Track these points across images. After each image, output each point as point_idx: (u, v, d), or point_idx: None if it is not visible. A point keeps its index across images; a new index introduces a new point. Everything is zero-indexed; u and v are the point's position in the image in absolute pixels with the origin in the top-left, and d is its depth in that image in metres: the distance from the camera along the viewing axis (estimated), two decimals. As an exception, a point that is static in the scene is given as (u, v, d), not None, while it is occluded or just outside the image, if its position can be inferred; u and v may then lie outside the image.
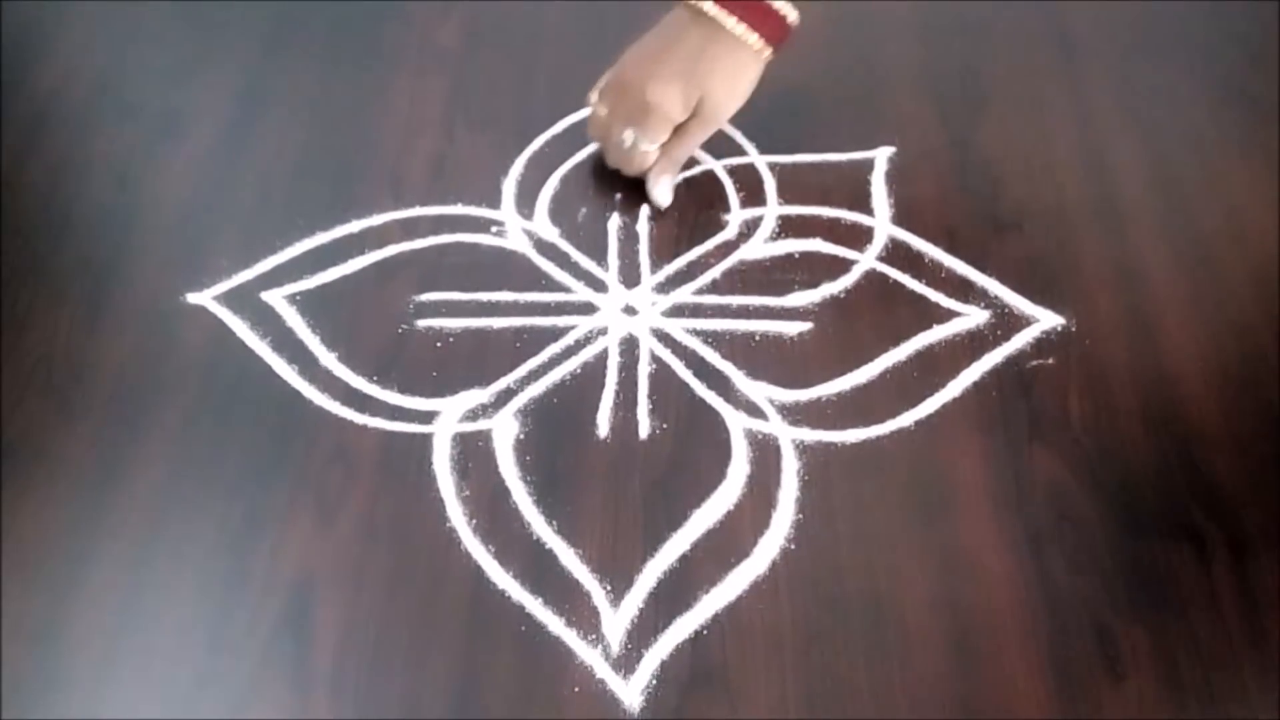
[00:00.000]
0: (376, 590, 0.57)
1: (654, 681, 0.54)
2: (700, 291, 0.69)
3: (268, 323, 0.67)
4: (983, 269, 0.69)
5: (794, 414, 0.63)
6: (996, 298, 0.68)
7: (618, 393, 0.64)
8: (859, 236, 0.71)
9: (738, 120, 0.77)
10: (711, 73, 0.67)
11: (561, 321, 0.67)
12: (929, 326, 0.67)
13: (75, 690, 0.54)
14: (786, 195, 0.73)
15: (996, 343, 0.66)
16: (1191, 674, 0.54)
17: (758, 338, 0.67)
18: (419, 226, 0.72)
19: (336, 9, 0.85)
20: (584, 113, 0.78)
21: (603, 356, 0.66)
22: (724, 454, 0.62)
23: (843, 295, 0.68)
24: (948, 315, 0.67)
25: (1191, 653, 0.55)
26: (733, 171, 0.75)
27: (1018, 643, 0.55)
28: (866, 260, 0.70)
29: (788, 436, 0.62)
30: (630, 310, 0.68)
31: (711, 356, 0.66)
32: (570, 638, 0.55)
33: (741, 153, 0.76)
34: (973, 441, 0.62)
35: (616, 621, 0.56)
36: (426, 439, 0.62)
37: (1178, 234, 0.72)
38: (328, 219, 0.72)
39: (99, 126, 0.78)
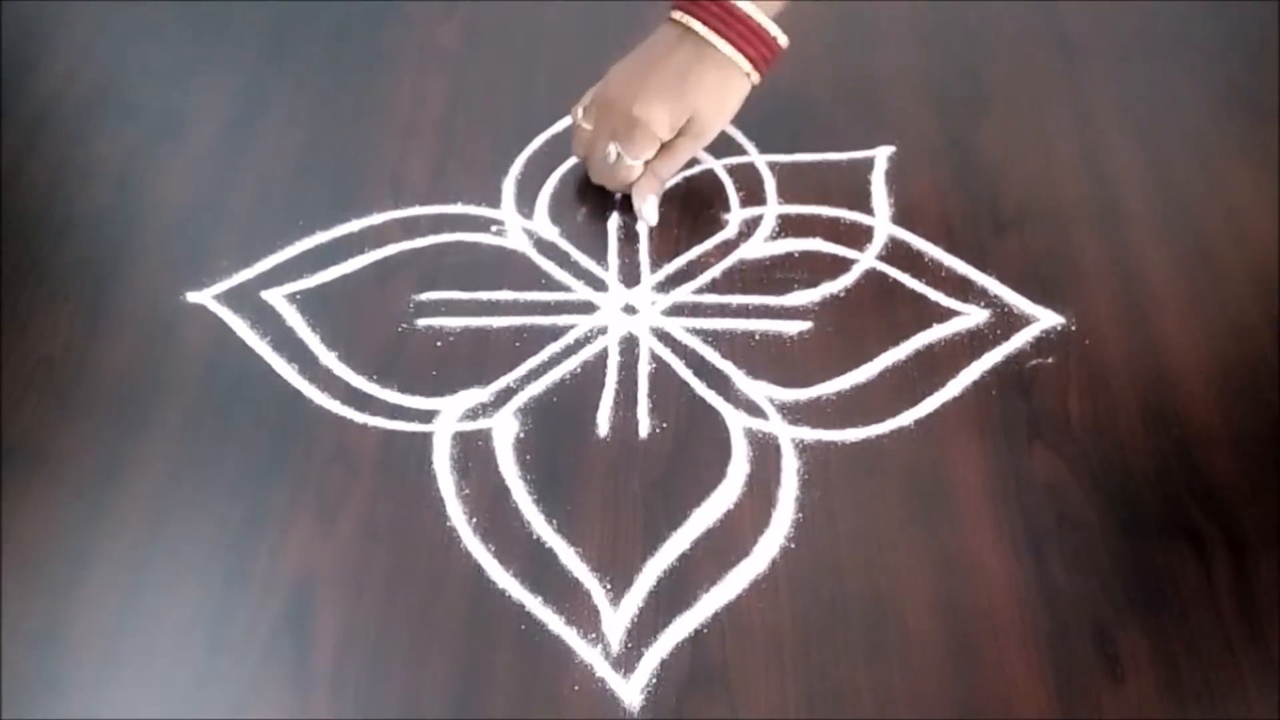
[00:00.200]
0: (376, 589, 0.57)
1: (654, 680, 0.54)
2: (700, 291, 0.69)
3: (268, 322, 0.67)
4: (982, 268, 0.69)
5: (794, 413, 0.63)
6: (996, 297, 0.68)
7: (618, 392, 0.64)
8: (859, 236, 0.71)
9: (738, 120, 0.77)
10: (700, 92, 0.67)
11: (561, 320, 0.67)
12: (929, 326, 0.67)
13: (75, 690, 0.54)
14: (786, 194, 0.73)
15: (996, 342, 0.66)
16: (1191, 675, 0.54)
17: (757, 337, 0.67)
18: (419, 226, 0.72)
19: (336, 9, 0.85)
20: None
21: (603, 355, 0.66)
22: (724, 453, 0.62)
23: (842, 294, 0.68)
24: (947, 314, 0.67)
25: (1191, 653, 0.55)
26: (732, 171, 0.75)
27: (1017, 642, 0.55)
28: (866, 259, 0.70)
29: (787, 436, 0.62)
30: (630, 309, 0.68)
31: (711, 356, 0.66)
32: (570, 636, 0.55)
33: (741, 152, 0.76)
34: (972, 441, 0.62)
35: (616, 620, 0.56)
36: (426, 438, 0.62)
37: (1177, 234, 0.72)
38: (328, 218, 0.72)
39: (99, 127, 0.78)
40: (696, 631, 0.55)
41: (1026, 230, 0.72)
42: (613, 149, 0.68)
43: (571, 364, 0.65)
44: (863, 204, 0.72)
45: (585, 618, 0.56)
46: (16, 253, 0.70)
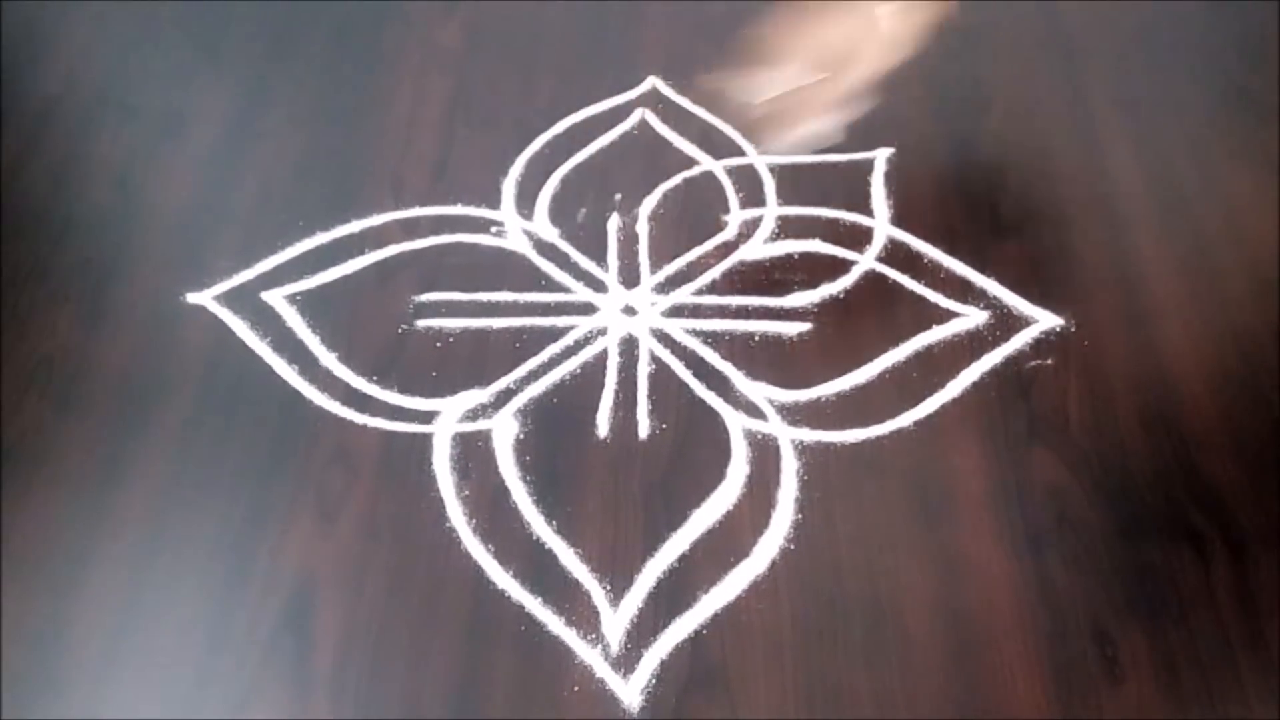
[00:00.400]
0: (377, 590, 0.57)
1: (653, 681, 0.54)
2: (700, 292, 0.69)
3: (268, 323, 0.67)
4: (982, 270, 0.69)
5: (793, 414, 0.63)
6: (996, 298, 0.68)
7: (617, 393, 0.64)
8: (858, 237, 0.71)
9: (736, 121, 0.77)
10: None
11: (561, 322, 0.67)
12: (928, 327, 0.67)
13: (76, 690, 0.54)
14: (786, 196, 0.73)
15: (996, 343, 0.66)
16: (1190, 676, 0.54)
17: (757, 338, 0.67)
18: (419, 227, 0.72)
19: (337, 10, 0.85)
20: (586, 113, 0.78)
21: (602, 357, 0.66)
22: (723, 454, 0.62)
23: (842, 296, 0.68)
24: (947, 316, 0.67)
25: (1190, 655, 0.55)
26: (732, 172, 0.75)
27: (1016, 643, 0.55)
28: (866, 261, 0.70)
29: (787, 437, 0.62)
30: (630, 310, 0.68)
31: (711, 357, 0.66)
32: (570, 637, 0.55)
33: (741, 153, 0.76)
34: (972, 442, 0.62)
35: (616, 621, 0.56)
36: (426, 439, 0.62)
37: (1176, 235, 0.72)
38: (328, 219, 0.72)
39: (100, 128, 0.78)
40: (696, 632, 0.56)
41: (1026, 232, 0.72)
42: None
43: (571, 365, 0.65)
44: (862, 205, 0.73)
45: (585, 618, 0.56)
46: (17, 253, 0.71)
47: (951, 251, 0.70)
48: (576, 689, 0.54)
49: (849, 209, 0.72)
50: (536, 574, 0.57)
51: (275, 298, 0.68)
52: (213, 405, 0.64)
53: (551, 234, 0.72)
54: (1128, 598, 0.56)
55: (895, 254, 0.70)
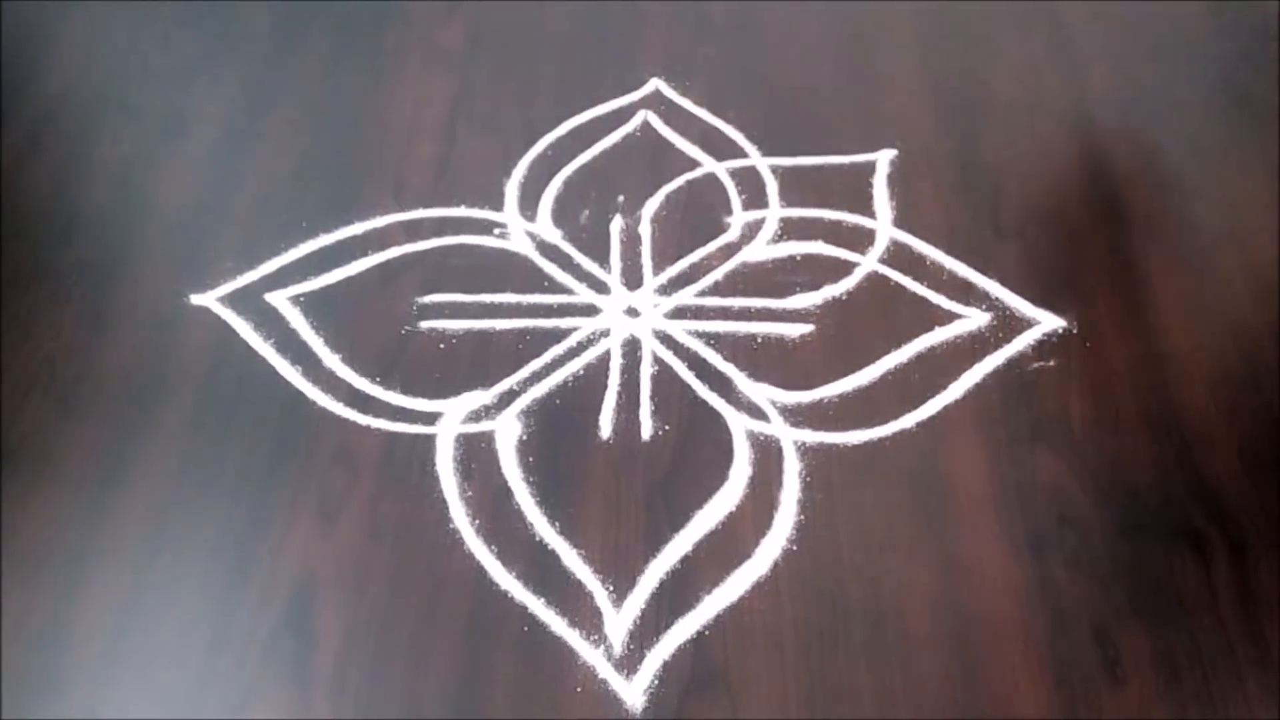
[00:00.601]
0: (378, 590, 0.57)
1: (656, 682, 0.54)
2: (702, 293, 0.69)
3: (271, 324, 0.67)
4: (984, 271, 0.69)
5: (796, 415, 0.63)
6: (998, 300, 0.68)
7: (620, 394, 0.64)
8: (860, 239, 0.71)
9: (739, 123, 0.77)
10: None
11: (564, 323, 0.67)
12: (930, 328, 0.67)
13: (77, 689, 0.54)
14: (788, 198, 0.73)
15: (998, 345, 0.66)
16: (1191, 675, 0.54)
17: (760, 339, 0.67)
18: (422, 228, 0.72)
19: (340, 11, 0.85)
20: (588, 115, 0.78)
21: (605, 358, 0.66)
22: (726, 455, 0.62)
23: (844, 297, 0.68)
24: (949, 317, 0.67)
25: (1191, 654, 0.55)
26: (734, 174, 0.75)
27: (1017, 643, 0.55)
28: (868, 262, 0.70)
29: (789, 438, 0.62)
30: (632, 312, 0.68)
31: (713, 358, 0.66)
32: (573, 638, 0.55)
33: (743, 155, 0.76)
34: (974, 443, 0.62)
35: (619, 622, 0.56)
36: (429, 440, 0.62)
37: (1178, 237, 0.72)
38: (331, 221, 0.72)
39: (102, 129, 0.78)
40: (698, 633, 0.56)
41: (1028, 234, 0.72)
42: None
43: (574, 366, 0.65)
44: (864, 207, 0.73)
45: (588, 619, 0.56)
46: (19, 254, 0.71)
47: (953, 253, 0.70)
48: (579, 690, 0.54)
49: (851, 210, 0.72)
50: (539, 575, 0.57)
51: (279, 299, 0.68)
52: (215, 406, 0.64)
53: (554, 236, 0.72)
54: (1129, 598, 0.56)
55: (897, 255, 0.70)
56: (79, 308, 0.68)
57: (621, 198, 0.73)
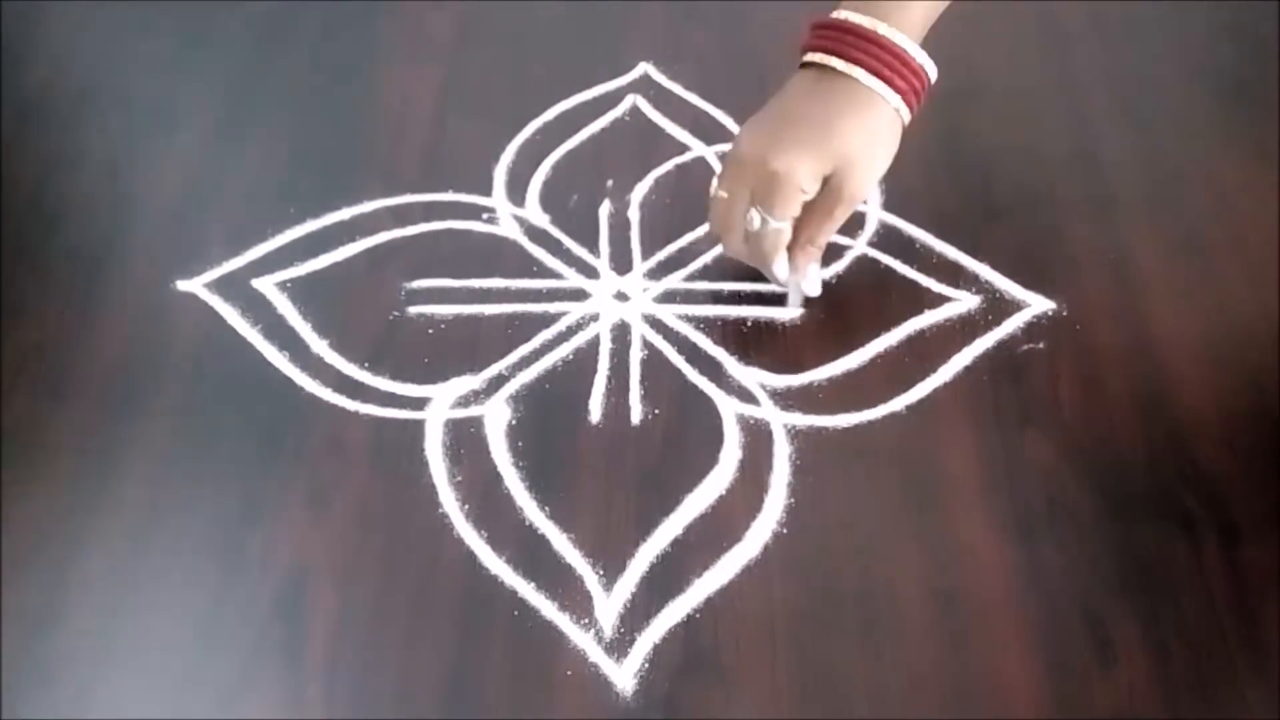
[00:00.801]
0: (369, 577, 0.57)
1: (646, 665, 0.54)
2: (692, 277, 0.69)
3: (259, 310, 0.67)
4: (974, 254, 0.69)
5: (785, 399, 0.63)
6: (988, 283, 0.68)
7: (609, 379, 0.64)
8: (850, 222, 0.70)
9: (729, 107, 0.77)
10: (845, 132, 0.59)
11: (553, 308, 0.67)
12: (920, 311, 0.67)
13: (68, 680, 0.54)
14: (778, 182, 0.73)
15: (988, 328, 0.66)
16: (1182, 658, 0.54)
17: (749, 323, 0.67)
18: (410, 214, 0.72)
19: (328, -3, 0.85)
20: (577, 100, 0.78)
21: (594, 342, 0.66)
22: (716, 439, 0.62)
23: (834, 280, 0.68)
24: (939, 300, 0.67)
25: (1182, 637, 0.55)
26: (724, 157, 0.74)
27: (1009, 627, 0.55)
28: (858, 246, 0.70)
29: (779, 421, 0.62)
30: (622, 296, 0.68)
31: (703, 342, 0.66)
32: (563, 622, 0.55)
33: (732, 139, 0.75)
34: (964, 426, 0.62)
35: (609, 606, 0.56)
36: (418, 425, 0.62)
37: (1168, 220, 0.72)
38: (319, 206, 0.72)
39: (90, 117, 0.78)
40: (689, 617, 0.56)
41: (1018, 216, 0.72)
42: (755, 215, 0.60)
43: (563, 351, 0.65)
44: (854, 190, 0.72)
45: (578, 603, 0.56)
46: (7, 243, 0.70)
47: (943, 236, 0.70)
48: (569, 673, 0.54)
49: (841, 194, 0.72)
50: (529, 560, 0.57)
51: (266, 285, 0.68)
52: (204, 393, 0.64)
53: (543, 220, 0.72)
54: (1120, 580, 0.56)
55: (887, 239, 0.70)
56: (67, 295, 0.68)
57: (610, 182, 0.73)
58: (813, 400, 0.63)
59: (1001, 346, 0.65)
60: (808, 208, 0.61)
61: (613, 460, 0.61)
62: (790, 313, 0.67)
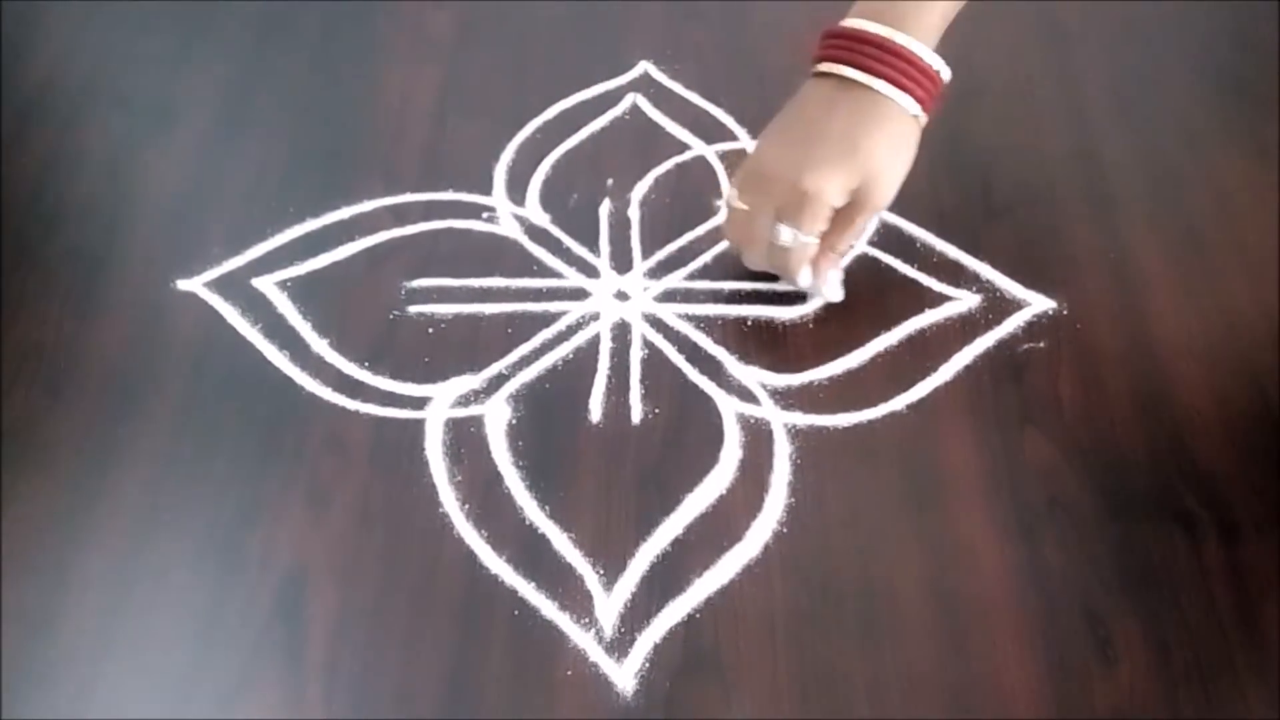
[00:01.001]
0: (369, 576, 0.57)
1: (647, 665, 0.54)
2: (692, 277, 0.69)
3: (259, 309, 0.67)
4: (974, 253, 0.69)
5: (786, 398, 0.63)
6: (988, 282, 0.68)
7: (610, 378, 0.64)
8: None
9: (729, 106, 0.77)
10: (872, 149, 0.59)
11: (553, 307, 0.67)
12: (920, 310, 0.67)
13: (67, 680, 0.54)
14: (778, 181, 0.73)
15: (988, 326, 0.66)
16: (1182, 656, 0.54)
17: (749, 322, 0.67)
18: (410, 213, 0.72)
19: (327, -4, 0.85)
20: (577, 99, 0.78)
21: (595, 342, 0.66)
22: (716, 438, 0.62)
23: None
24: (939, 299, 0.67)
25: (1182, 635, 0.55)
26: (724, 157, 0.75)
27: (1009, 625, 0.55)
28: (858, 245, 0.70)
29: (780, 420, 0.62)
30: (622, 296, 0.68)
31: (703, 341, 0.66)
32: (563, 622, 0.55)
33: (733, 138, 0.76)
34: (964, 425, 0.62)
35: (609, 605, 0.56)
36: (418, 425, 0.62)
37: (1168, 219, 0.72)
38: (319, 205, 0.72)
39: (90, 116, 0.78)
40: (689, 616, 0.55)
41: (1018, 215, 0.72)
42: (786, 231, 0.61)
43: (563, 350, 0.65)
44: (854, 190, 0.72)
45: (578, 603, 0.56)
46: (6, 242, 0.70)
47: (944, 235, 0.70)
48: (570, 673, 0.54)
49: (841, 193, 0.72)
50: (529, 559, 0.57)
51: (266, 284, 0.68)
52: (203, 392, 0.63)
53: (543, 219, 0.72)
54: (1120, 579, 0.56)
55: (887, 238, 0.70)
56: (67, 295, 0.68)
57: (610, 181, 0.73)
58: (813, 399, 0.63)
59: (1002, 346, 0.65)
60: (831, 218, 0.61)
61: (613, 460, 0.61)
62: (791, 312, 0.67)
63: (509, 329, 0.66)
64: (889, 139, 0.60)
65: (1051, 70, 0.81)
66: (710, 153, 0.75)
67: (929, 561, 0.57)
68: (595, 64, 0.80)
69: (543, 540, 0.58)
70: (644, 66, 0.80)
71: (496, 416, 0.62)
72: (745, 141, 0.75)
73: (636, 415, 0.63)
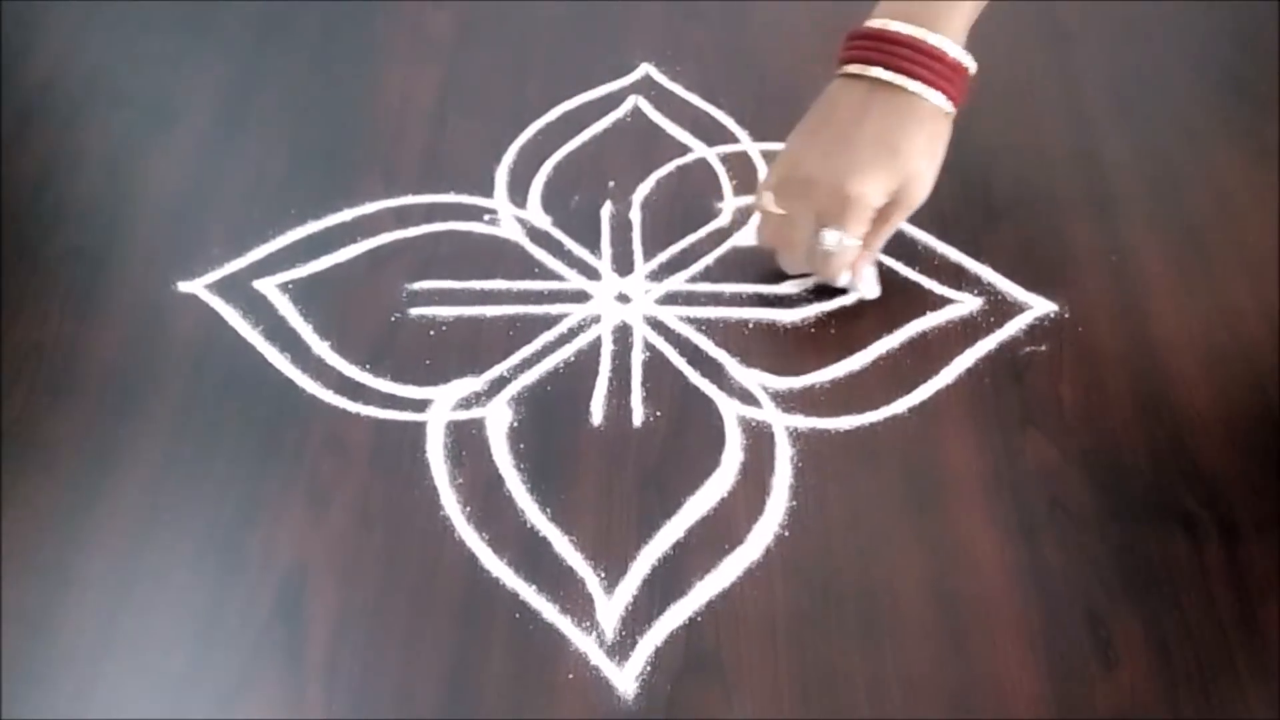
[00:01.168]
0: (370, 579, 0.57)
1: (648, 668, 0.54)
2: (693, 279, 0.69)
3: (260, 311, 0.67)
4: (976, 256, 0.69)
5: (787, 401, 0.63)
6: (989, 284, 0.68)
7: (611, 380, 0.64)
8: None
9: (729, 108, 0.77)
10: (912, 151, 0.60)
11: (555, 309, 0.67)
12: (922, 313, 0.67)
13: (67, 680, 0.54)
14: (779, 183, 0.73)
15: (989, 329, 0.66)
16: (1183, 658, 0.54)
17: (751, 325, 0.67)
18: (411, 215, 0.72)
19: (328, -3, 0.85)
20: (578, 100, 0.78)
21: (596, 344, 0.66)
22: (717, 441, 0.62)
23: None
24: (941, 302, 0.67)
25: (1183, 637, 0.55)
26: (725, 159, 0.75)
27: (1010, 627, 0.55)
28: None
29: (781, 423, 0.62)
30: (623, 298, 0.68)
31: (705, 344, 0.66)
32: (564, 625, 0.55)
33: (734, 140, 0.76)
34: (966, 428, 0.62)
35: (611, 608, 0.56)
36: (420, 427, 0.62)
37: (1169, 220, 0.72)
38: (320, 207, 0.72)
39: (90, 116, 0.78)
40: (691, 619, 0.55)
41: (1019, 218, 0.72)
42: (831, 235, 0.61)
43: (565, 353, 0.65)
44: (856, 192, 0.72)
45: (579, 606, 0.56)
46: (7, 242, 0.70)
47: (945, 238, 0.70)
48: (571, 676, 0.54)
49: (842, 195, 0.72)
50: (530, 562, 0.57)
51: (267, 286, 0.68)
52: (204, 394, 0.63)
53: (544, 222, 0.72)
54: (1121, 581, 0.57)
55: (889, 241, 0.70)
56: (67, 295, 0.68)
57: (612, 183, 0.73)
58: (815, 402, 0.63)
59: (1003, 348, 0.65)
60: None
61: (614, 462, 0.61)
62: (792, 315, 0.67)
63: (510, 331, 0.66)
64: (926, 139, 0.60)
65: (1051, 70, 0.81)
66: (712, 155, 0.75)
67: (930, 563, 0.57)
68: (596, 64, 0.80)
69: (544, 543, 0.58)
70: (646, 69, 0.80)
71: (498, 419, 0.62)
72: (746, 143, 0.75)
73: (638, 418, 0.63)
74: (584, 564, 0.57)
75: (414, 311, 0.67)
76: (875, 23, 0.62)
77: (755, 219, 0.70)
